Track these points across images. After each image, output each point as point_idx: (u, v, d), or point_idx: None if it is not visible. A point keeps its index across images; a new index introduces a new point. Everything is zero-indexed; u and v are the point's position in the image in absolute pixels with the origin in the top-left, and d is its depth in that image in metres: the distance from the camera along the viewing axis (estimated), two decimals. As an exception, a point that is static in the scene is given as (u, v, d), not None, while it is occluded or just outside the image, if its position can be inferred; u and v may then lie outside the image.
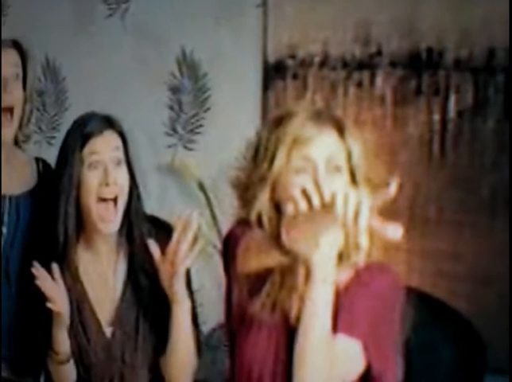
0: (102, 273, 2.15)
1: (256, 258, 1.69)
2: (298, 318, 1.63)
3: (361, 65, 2.75)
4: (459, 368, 2.37)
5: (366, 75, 2.74)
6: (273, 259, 1.61)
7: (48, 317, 2.04)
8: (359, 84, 2.76)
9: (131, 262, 2.13)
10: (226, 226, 3.01)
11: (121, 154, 2.09)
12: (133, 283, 2.13)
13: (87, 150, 2.06)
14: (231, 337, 1.81)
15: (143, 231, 2.12)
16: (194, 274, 2.14)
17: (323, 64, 2.82)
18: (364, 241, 1.41)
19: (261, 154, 1.70)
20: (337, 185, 1.61)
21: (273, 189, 1.68)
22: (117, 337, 2.11)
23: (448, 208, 2.64)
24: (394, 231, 1.41)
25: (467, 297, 2.58)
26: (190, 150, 3.18)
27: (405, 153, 2.68)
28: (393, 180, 1.41)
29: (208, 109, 3.13)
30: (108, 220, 2.06)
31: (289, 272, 1.68)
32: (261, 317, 1.70)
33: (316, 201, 1.49)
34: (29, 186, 2.28)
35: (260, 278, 1.71)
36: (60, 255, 2.07)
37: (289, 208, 1.53)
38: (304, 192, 1.51)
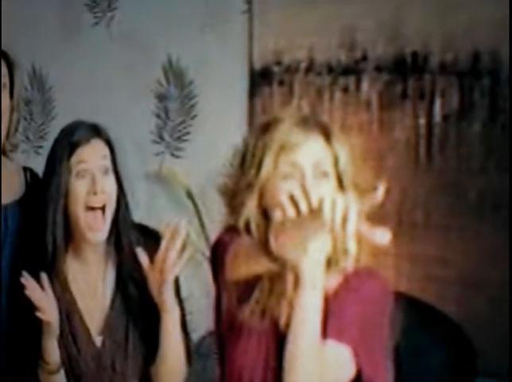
0: (91, 282, 2.14)
1: (245, 265, 1.68)
2: (288, 325, 1.63)
3: (347, 70, 2.75)
4: (449, 373, 2.37)
5: (351, 80, 2.75)
6: (262, 265, 1.60)
7: (37, 326, 2.02)
8: (345, 89, 2.76)
9: (120, 270, 2.13)
10: (214, 233, 3.00)
11: (108, 163, 2.08)
12: (122, 292, 2.12)
13: (74, 158, 2.05)
14: (221, 345, 1.80)
15: (131, 239, 2.11)
16: (183, 282, 2.13)
17: (308, 69, 2.83)
18: (352, 246, 1.40)
19: (248, 161, 1.70)
20: (324, 191, 1.60)
21: (261, 196, 1.69)
22: (107, 346, 2.11)
23: (436, 213, 2.63)
24: (382, 236, 1.40)
25: (456, 301, 2.57)
26: (177, 157, 3.19)
27: (391, 158, 2.68)
28: (380, 184, 1.40)
29: (195, 116, 3.13)
30: (96, 228, 2.06)
31: (278, 279, 1.68)
32: (251, 324, 1.70)
33: (303, 207, 1.49)
34: (17, 196, 2.27)
35: (249, 285, 1.71)
36: (48, 264, 2.06)
37: (277, 215, 1.52)
38: (292, 198, 1.50)
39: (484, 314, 2.55)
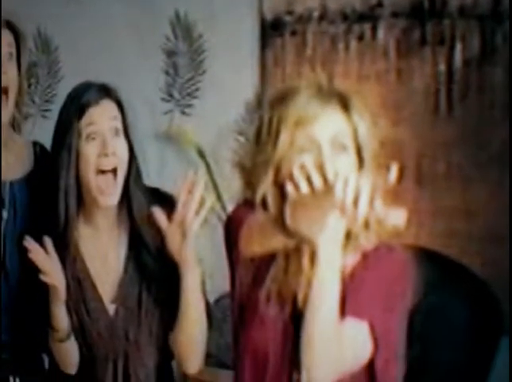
0: (103, 249, 2.11)
1: (260, 241, 1.66)
2: (305, 303, 1.60)
3: (361, 18, 2.73)
4: (473, 331, 2.35)
5: (367, 27, 2.72)
6: (278, 241, 1.59)
7: (46, 293, 2.00)
8: (361, 38, 2.74)
9: (132, 236, 2.10)
10: (226, 192, 2.98)
11: (119, 124, 2.05)
12: (135, 258, 2.09)
13: (84, 121, 2.02)
14: (237, 321, 1.77)
15: (143, 203, 2.08)
16: (196, 244, 2.06)
17: (322, 18, 2.80)
18: (364, 226, 1.40)
19: (263, 136, 1.66)
20: (343, 165, 1.58)
21: (278, 170, 1.64)
22: (120, 314, 2.08)
23: (457, 164, 2.62)
24: (397, 217, 1.38)
25: (480, 255, 2.56)
26: (187, 115, 3.16)
27: (410, 108, 2.67)
28: (393, 165, 1.37)
29: (204, 72, 3.11)
30: (108, 192, 2.02)
31: (294, 255, 1.65)
32: (267, 304, 1.67)
33: (317, 182, 1.46)
34: (27, 170, 2.25)
35: (264, 262, 1.69)
36: (60, 231, 2.04)
37: (290, 189, 1.50)
38: (304, 172, 1.47)
39: (509, 269, 2.52)
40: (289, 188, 1.50)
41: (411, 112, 2.66)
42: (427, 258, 2.47)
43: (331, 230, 1.51)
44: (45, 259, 1.96)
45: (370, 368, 1.63)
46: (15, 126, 2.28)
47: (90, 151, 2.01)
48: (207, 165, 2.98)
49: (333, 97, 1.64)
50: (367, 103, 1.68)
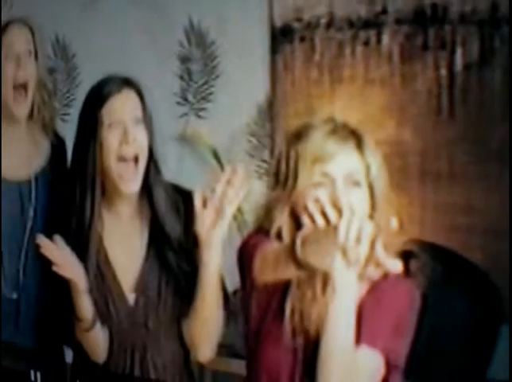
0: (125, 237, 2.12)
1: (273, 269, 1.66)
2: (318, 330, 1.64)
3: (367, 24, 2.76)
4: (475, 320, 2.41)
5: (372, 33, 2.75)
6: (291, 271, 1.57)
7: (66, 286, 2.01)
8: (366, 43, 2.77)
9: (153, 226, 2.10)
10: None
11: (140, 113, 2.06)
12: (155, 248, 2.09)
13: (105, 109, 2.03)
14: (250, 345, 1.80)
15: (163, 194, 2.09)
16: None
17: (329, 25, 2.83)
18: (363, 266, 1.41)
19: (282, 173, 1.70)
20: (356, 200, 1.63)
21: (294, 203, 1.68)
22: (140, 303, 2.09)
23: (459, 162, 2.64)
24: (394, 265, 1.42)
25: (482, 249, 2.59)
26: (202, 118, 3.19)
27: (414, 109, 2.69)
28: (393, 218, 1.40)
29: (218, 77, 3.14)
30: (129, 179, 2.03)
31: (308, 285, 1.68)
32: (284, 332, 1.70)
33: (331, 215, 1.51)
34: (44, 161, 2.31)
35: (278, 290, 1.71)
36: (86, 222, 2.05)
37: (305, 221, 1.55)
38: (319, 205, 1.53)
39: (509, 261, 2.54)
40: (305, 220, 1.56)
41: (414, 114, 2.69)
42: (430, 251, 2.54)
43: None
44: (58, 253, 1.95)
45: None
46: (44, 124, 2.32)
47: (112, 139, 2.02)
48: (221, 166, 2.99)
49: (348, 136, 1.68)
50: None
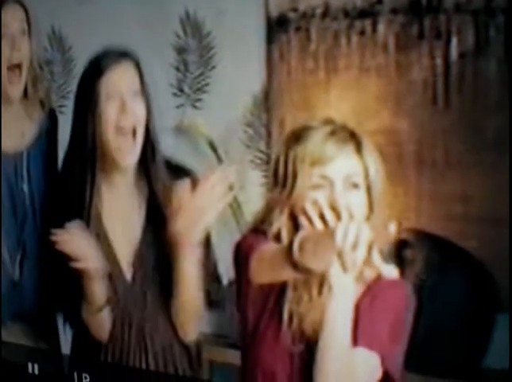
0: (122, 211, 2.12)
1: (270, 270, 1.68)
2: (315, 331, 1.64)
3: (362, 14, 2.75)
4: (471, 309, 2.43)
5: (367, 23, 2.75)
6: (288, 273, 1.59)
7: (71, 269, 1.99)
8: (362, 33, 2.77)
9: (150, 202, 2.10)
10: (237, 181, 3.02)
11: (137, 85, 2.07)
12: (153, 224, 2.10)
13: (103, 81, 2.03)
14: (246, 349, 1.80)
15: (162, 170, 2.10)
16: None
17: (324, 15, 2.83)
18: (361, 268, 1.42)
19: (280, 175, 1.70)
20: (354, 202, 1.63)
21: (293, 205, 1.69)
22: (137, 279, 2.09)
23: (455, 151, 2.64)
24: (390, 271, 1.44)
25: (478, 238, 2.58)
26: (198, 109, 3.19)
27: (410, 99, 2.69)
28: (392, 222, 1.41)
29: (213, 67, 3.14)
30: (126, 150, 2.03)
31: (304, 286, 1.68)
32: (281, 334, 1.70)
33: (329, 217, 1.52)
34: (38, 134, 2.31)
35: (274, 291, 1.72)
36: (87, 198, 2.05)
37: (303, 223, 1.56)
38: (317, 207, 1.53)
39: (506, 250, 2.51)
40: (303, 222, 1.56)
41: (410, 103, 2.69)
42: (427, 240, 2.54)
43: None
44: (77, 247, 1.95)
45: None
46: (40, 101, 2.32)
47: (109, 111, 2.02)
48: (218, 157, 3.02)
49: (348, 138, 1.68)
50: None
